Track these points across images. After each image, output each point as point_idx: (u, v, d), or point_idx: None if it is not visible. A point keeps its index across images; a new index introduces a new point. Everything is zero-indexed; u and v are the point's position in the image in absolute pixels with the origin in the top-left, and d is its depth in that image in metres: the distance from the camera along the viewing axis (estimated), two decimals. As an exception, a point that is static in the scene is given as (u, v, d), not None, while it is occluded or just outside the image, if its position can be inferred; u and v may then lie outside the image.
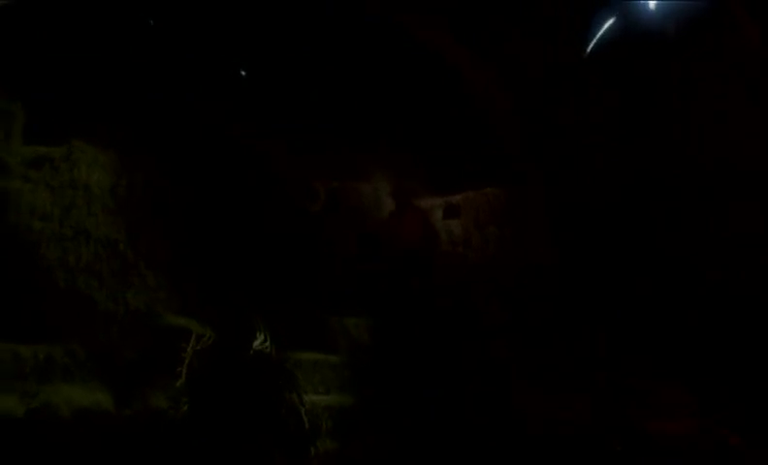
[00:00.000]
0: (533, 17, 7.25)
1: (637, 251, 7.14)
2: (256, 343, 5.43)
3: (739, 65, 6.51)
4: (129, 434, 5.37)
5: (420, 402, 6.02)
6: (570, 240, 7.54)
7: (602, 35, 7.63)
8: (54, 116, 6.80)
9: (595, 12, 7.47)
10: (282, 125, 8.03)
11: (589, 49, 7.74)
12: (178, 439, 5.11)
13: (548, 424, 5.70)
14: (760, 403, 5.36)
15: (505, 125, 8.16)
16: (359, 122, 8.51)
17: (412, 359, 6.53)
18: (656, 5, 7.19)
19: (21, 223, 6.42)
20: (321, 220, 7.79)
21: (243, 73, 9.68)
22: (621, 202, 7.31)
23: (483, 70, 7.93)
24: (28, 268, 6.36)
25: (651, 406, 5.70)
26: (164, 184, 7.02)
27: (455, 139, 8.60)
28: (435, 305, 7.07)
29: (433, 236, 7.69)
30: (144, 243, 6.78)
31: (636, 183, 7.25)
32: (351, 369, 6.67)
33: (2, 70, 6.57)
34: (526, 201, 8.03)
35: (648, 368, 6.17)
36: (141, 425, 5.51)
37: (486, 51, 7.64)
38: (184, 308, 6.53)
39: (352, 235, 7.67)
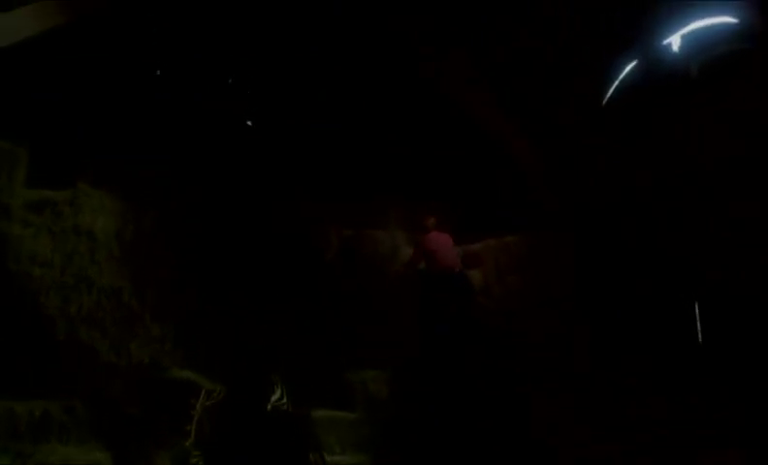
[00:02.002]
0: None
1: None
2: (273, 398, 4.99)
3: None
4: (130, 500, 4.91)
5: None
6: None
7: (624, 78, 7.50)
8: (60, 158, 6.53)
9: (618, 53, 7.32)
10: (299, 172, 7.77)
11: (610, 93, 7.62)
12: (186, 505, 4.64)
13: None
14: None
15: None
16: (374, 170, 8.25)
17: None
18: (681, 47, 7.06)
19: (21, 270, 6.09)
20: (335, 268, 7.41)
21: (249, 122, 9.56)
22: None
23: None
24: (26, 319, 6.00)
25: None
26: (173, 231, 6.67)
27: (473, 186, 8.35)
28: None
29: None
30: (150, 292, 6.42)
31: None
32: (369, 426, 6.21)
33: (6, 111, 6.31)
34: (547, 247, 7.71)
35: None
36: (143, 490, 5.06)
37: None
38: (192, 361, 6.13)
39: (367, 283, 7.30)
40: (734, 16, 6.56)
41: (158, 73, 8.35)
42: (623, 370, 6.01)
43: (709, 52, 6.89)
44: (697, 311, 6.49)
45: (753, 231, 5.99)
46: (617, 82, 7.52)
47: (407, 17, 7.55)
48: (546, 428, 5.70)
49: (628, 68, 7.44)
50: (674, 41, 7.10)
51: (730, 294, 6.16)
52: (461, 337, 6.50)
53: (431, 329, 6.63)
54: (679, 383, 5.74)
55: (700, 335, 6.32)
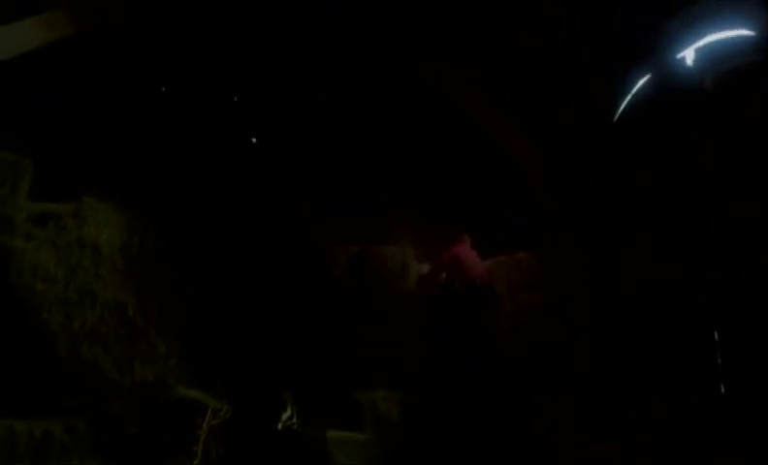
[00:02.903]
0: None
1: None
2: (284, 417, 4.80)
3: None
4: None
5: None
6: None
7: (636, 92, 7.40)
8: (65, 170, 6.41)
9: (630, 66, 7.23)
10: (305, 187, 7.65)
11: (622, 108, 7.53)
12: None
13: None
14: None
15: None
16: (383, 185, 8.12)
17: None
18: (695, 60, 6.96)
19: (23, 284, 5.93)
20: (343, 285, 7.25)
21: (254, 139, 9.49)
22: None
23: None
24: (27, 334, 5.83)
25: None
26: (179, 244, 6.52)
27: (483, 202, 8.22)
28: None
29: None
30: (154, 307, 6.25)
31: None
32: (379, 447, 6.02)
33: (11, 121, 6.21)
34: (558, 266, 7.58)
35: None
36: (146, 513, 4.86)
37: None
38: (197, 378, 5.95)
39: (376, 299, 7.13)
40: (750, 29, 6.48)
41: (163, 88, 8.28)
42: (623, 370, 5.97)
43: (724, 65, 6.80)
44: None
45: (753, 231, 5.91)
46: (629, 97, 7.42)
47: (406, 17, 7.46)
48: (546, 428, 5.69)
49: (641, 82, 7.34)
50: (688, 54, 7.00)
51: (730, 294, 6.07)
52: (476, 349, 6.46)
53: (446, 344, 6.54)
54: (679, 383, 5.70)
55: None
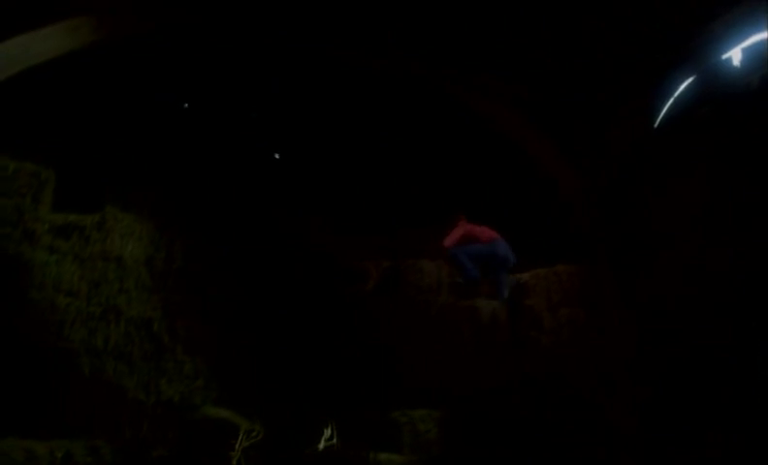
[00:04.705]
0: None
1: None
2: (325, 437, 4.46)
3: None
4: None
5: None
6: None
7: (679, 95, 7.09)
8: (88, 181, 6.19)
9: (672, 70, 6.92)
10: (336, 204, 7.44)
11: (663, 113, 7.22)
12: None
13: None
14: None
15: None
16: (418, 199, 7.88)
17: None
18: (741, 60, 6.66)
19: (44, 299, 5.67)
20: (373, 300, 6.95)
21: (277, 155, 9.33)
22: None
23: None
24: (49, 351, 5.55)
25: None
26: (206, 258, 6.26)
27: (521, 213, 7.94)
28: None
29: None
30: (181, 324, 5.99)
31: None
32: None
33: (35, 132, 6.01)
34: (599, 280, 7.23)
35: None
36: None
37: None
38: (227, 399, 5.64)
39: (412, 314, 6.81)
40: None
41: (185, 105, 8.12)
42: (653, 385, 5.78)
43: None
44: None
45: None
46: (671, 100, 7.11)
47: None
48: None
49: (684, 84, 7.04)
50: (734, 55, 6.71)
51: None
52: None
53: None
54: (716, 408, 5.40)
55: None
